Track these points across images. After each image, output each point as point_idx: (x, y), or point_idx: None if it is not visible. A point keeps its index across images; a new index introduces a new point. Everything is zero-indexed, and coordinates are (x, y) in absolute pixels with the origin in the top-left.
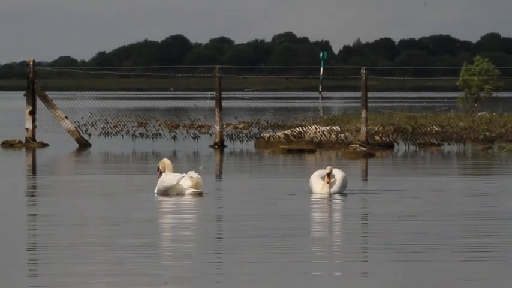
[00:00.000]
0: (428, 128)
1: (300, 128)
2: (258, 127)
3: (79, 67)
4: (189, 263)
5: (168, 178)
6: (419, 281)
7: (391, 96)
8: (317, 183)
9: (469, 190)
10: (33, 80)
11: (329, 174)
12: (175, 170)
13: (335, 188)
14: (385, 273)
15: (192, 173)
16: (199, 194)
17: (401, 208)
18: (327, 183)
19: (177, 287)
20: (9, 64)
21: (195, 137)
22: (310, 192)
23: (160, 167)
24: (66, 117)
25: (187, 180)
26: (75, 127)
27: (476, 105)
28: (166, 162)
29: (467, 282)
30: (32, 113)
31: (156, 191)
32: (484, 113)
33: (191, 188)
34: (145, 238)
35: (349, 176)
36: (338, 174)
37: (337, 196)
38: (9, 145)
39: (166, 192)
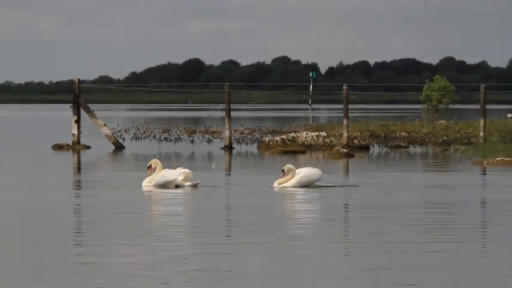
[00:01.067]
0: (398, 134)
1: (293, 133)
2: (259, 133)
3: (115, 84)
4: (203, 242)
5: (170, 173)
6: (393, 258)
7: (367, 107)
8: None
9: (430, 184)
10: (78, 95)
11: (283, 171)
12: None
13: (289, 183)
14: (364, 250)
15: (181, 169)
16: (195, 186)
17: (377, 198)
18: (280, 177)
19: (194, 262)
20: (59, 82)
21: (209, 141)
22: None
23: (152, 166)
24: (105, 125)
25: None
26: (112, 133)
27: (436, 115)
28: (158, 162)
29: (433, 257)
30: (77, 121)
31: (150, 184)
32: (443, 121)
33: (182, 180)
34: (167, 223)
35: (333, 173)
36: (302, 172)
37: (322, 189)
38: (59, 147)
39: (165, 185)
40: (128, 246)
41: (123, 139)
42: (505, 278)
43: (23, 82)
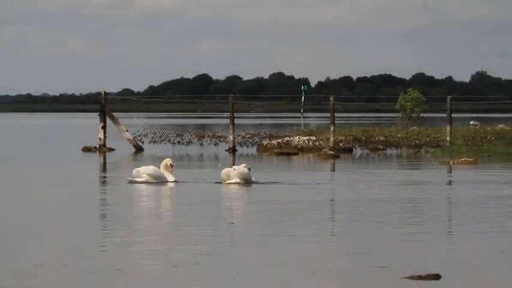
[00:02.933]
0: (376, 138)
1: (288, 137)
2: (259, 137)
3: (136, 96)
4: (211, 228)
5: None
6: (372, 245)
7: (350, 116)
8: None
9: (403, 181)
10: (104, 105)
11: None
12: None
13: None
14: (347, 237)
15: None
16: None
17: (360, 193)
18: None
19: (204, 246)
20: (88, 94)
21: (216, 144)
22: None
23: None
24: (127, 130)
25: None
26: (133, 137)
27: (409, 122)
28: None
29: (406, 243)
30: (103, 127)
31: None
32: (415, 127)
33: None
34: (180, 214)
35: (322, 171)
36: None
37: (314, 184)
38: (87, 149)
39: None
40: (146, 233)
41: (142, 142)
42: (468, 260)
43: (57, 94)
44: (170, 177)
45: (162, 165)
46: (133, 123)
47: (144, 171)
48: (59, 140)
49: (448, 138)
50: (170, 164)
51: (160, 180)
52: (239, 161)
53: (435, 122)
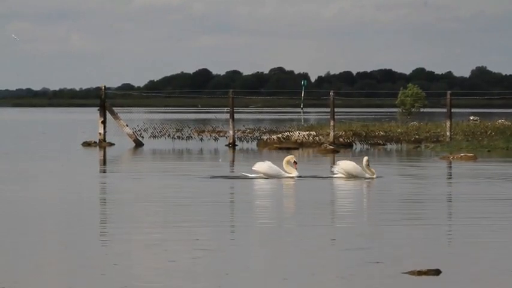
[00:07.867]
0: (376, 133)
1: (287, 132)
2: (259, 132)
3: (136, 91)
4: (212, 225)
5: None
6: (371, 241)
7: (350, 111)
8: None
9: (403, 176)
10: (104, 100)
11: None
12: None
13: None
14: (347, 233)
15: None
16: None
17: (360, 188)
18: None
19: (202, 243)
20: (88, 88)
21: (216, 139)
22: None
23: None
24: (127, 125)
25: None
26: (132, 132)
27: (409, 117)
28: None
29: (406, 238)
30: (103, 122)
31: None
32: (415, 122)
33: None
34: (182, 208)
35: (322, 166)
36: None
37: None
38: (87, 144)
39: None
40: (145, 227)
41: (142, 137)
42: (468, 255)
43: (57, 89)
44: (293, 173)
45: (284, 162)
46: (133, 118)
47: (258, 168)
48: (59, 135)
49: (448, 133)
50: (294, 161)
51: (277, 177)
52: (239, 154)
53: (435, 117)
